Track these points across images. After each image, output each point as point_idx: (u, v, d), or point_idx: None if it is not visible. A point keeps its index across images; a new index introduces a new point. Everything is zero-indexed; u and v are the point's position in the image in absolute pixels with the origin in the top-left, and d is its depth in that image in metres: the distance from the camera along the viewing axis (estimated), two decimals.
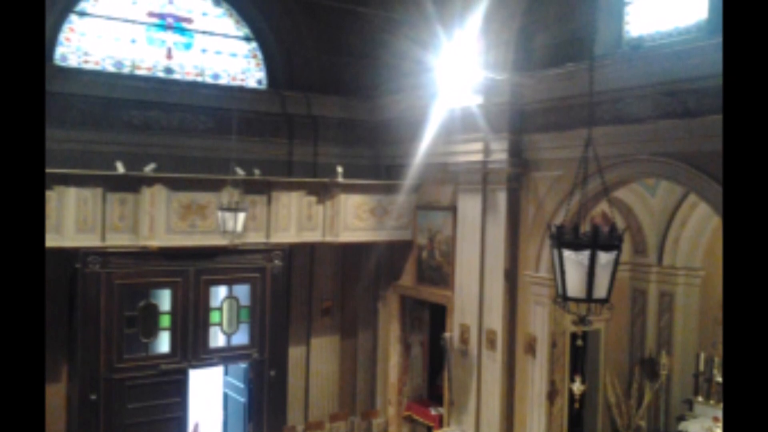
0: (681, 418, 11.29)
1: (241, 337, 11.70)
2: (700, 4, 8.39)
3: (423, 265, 12.42)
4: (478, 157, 10.71)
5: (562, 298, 5.12)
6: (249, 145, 12.35)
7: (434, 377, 13.42)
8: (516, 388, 10.50)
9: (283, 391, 12.15)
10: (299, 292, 12.97)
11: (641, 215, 11.39)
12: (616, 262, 5.01)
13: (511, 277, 10.50)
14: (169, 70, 12.26)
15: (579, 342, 6.48)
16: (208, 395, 13.62)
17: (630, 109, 8.71)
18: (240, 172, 11.26)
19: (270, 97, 12.85)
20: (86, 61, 11.56)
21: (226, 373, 12.91)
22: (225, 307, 11.58)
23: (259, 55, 13.18)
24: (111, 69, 11.74)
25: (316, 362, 13.21)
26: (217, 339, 11.67)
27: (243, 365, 11.99)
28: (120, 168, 10.61)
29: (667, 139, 8.30)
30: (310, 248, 12.82)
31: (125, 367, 10.53)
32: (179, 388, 11.06)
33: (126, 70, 11.86)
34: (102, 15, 11.74)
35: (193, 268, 11.00)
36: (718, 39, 7.19)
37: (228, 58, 12.87)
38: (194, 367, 11.24)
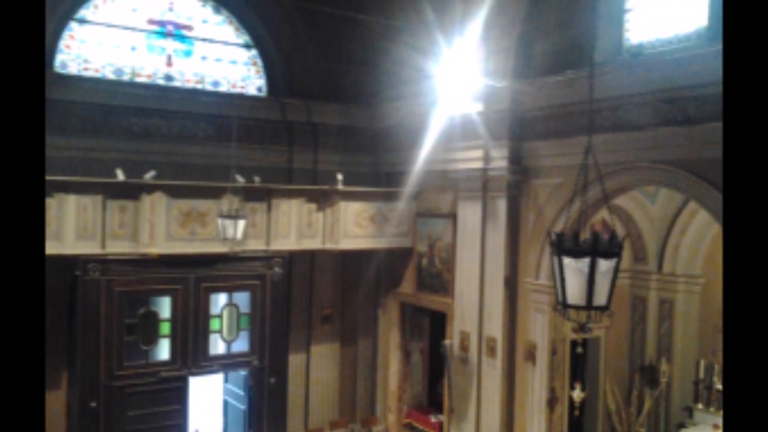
0: (681, 426, 11.28)
1: (241, 345, 11.68)
2: (700, 12, 8.41)
3: (423, 273, 12.41)
4: (478, 165, 10.72)
5: (562, 306, 5.12)
6: (249, 152, 12.37)
7: (434, 384, 13.40)
8: (516, 396, 10.48)
9: (283, 399, 12.13)
10: (299, 299, 12.96)
11: (641, 222, 11.39)
12: (616, 270, 5.01)
13: (511, 284, 10.49)
14: (169, 78, 12.27)
15: (579, 349, 6.46)
16: (208, 403, 13.57)
17: (630, 117, 8.72)
18: (240, 179, 11.26)
19: (270, 104, 12.86)
20: (86, 69, 11.57)
21: (226, 380, 12.90)
22: (225, 314, 11.57)
23: (259, 62, 13.19)
24: (111, 76, 11.75)
25: (316, 369, 13.20)
26: (217, 346, 11.65)
27: (243, 372, 11.98)
28: (120, 175, 10.61)
29: (667, 147, 8.31)
30: (310, 255, 12.81)
31: (125, 374, 10.51)
32: (179, 396, 11.03)
33: (126, 78, 11.87)
34: (102, 22, 11.74)
35: (193, 275, 11.00)
36: (718, 46, 7.22)
37: (228, 65, 12.88)
38: (194, 374, 11.22)
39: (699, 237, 11.33)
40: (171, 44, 12.34)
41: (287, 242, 11.69)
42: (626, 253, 9.80)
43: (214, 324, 11.40)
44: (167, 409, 10.93)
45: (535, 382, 10.12)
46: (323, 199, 12.02)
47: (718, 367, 10.96)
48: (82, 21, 11.59)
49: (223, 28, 12.88)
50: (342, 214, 12.04)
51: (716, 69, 6.29)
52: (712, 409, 11.13)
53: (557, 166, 9.81)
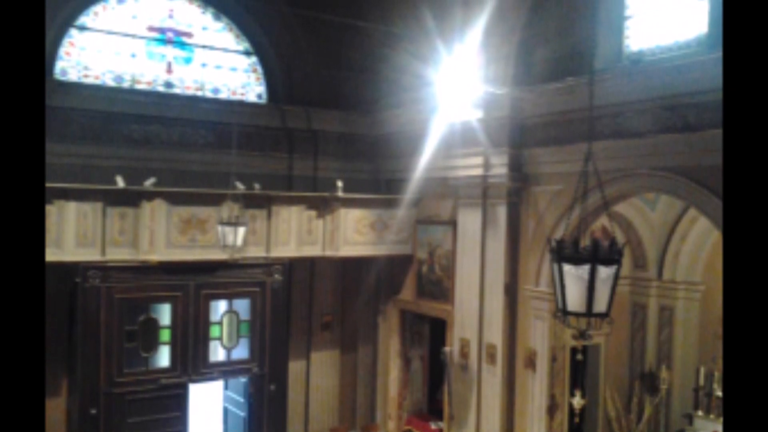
0: None
1: (241, 352, 11.66)
2: (700, 19, 8.42)
3: (423, 280, 12.41)
4: (478, 172, 10.72)
5: (562, 313, 5.12)
6: (249, 159, 12.38)
7: (434, 391, 13.38)
8: (516, 403, 10.46)
9: (283, 406, 12.11)
10: (299, 306, 12.95)
11: (641, 229, 11.39)
12: (616, 277, 5.02)
13: (511, 291, 10.48)
14: (169, 85, 12.28)
15: (579, 356, 6.45)
16: (208, 410, 13.58)
17: (630, 124, 8.73)
18: (240, 186, 11.26)
19: (270, 111, 12.87)
20: (86, 76, 11.59)
21: (226, 387, 12.88)
22: (225, 321, 11.56)
23: (259, 69, 13.21)
24: (111, 83, 11.77)
25: (316, 376, 13.18)
26: (217, 353, 11.63)
27: (243, 379, 11.96)
28: (120, 182, 10.61)
29: (667, 154, 8.31)
30: (310, 262, 12.80)
31: (125, 381, 10.50)
32: (179, 403, 11.02)
33: (126, 85, 11.89)
34: (102, 29, 11.77)
35: (193, 282, 11.00)
36: (718, 53, 7.23)
37: (228, 72, 12.90)
38: (194, 381, 11.21)
39: (699, 244, 11.32)
40: (171, 51, 12.37)
41: (287, 249, 11.69)
42: (626, 260, 9.78)
43: (214, 331, 11.39)
44: (167, 416, 10.91)
45: (535, 389, 10.10)
46: (323, 206, 12.02)
47: (718, 374, 10.93)
48: (82, 28, 11.62)
49: (223, 35, 12.91)
50: (342, 221, 12.04)
51: (716, 76, 6.29)
52: (712, 416, 11.09)
53: (557, 173, 9.81)
